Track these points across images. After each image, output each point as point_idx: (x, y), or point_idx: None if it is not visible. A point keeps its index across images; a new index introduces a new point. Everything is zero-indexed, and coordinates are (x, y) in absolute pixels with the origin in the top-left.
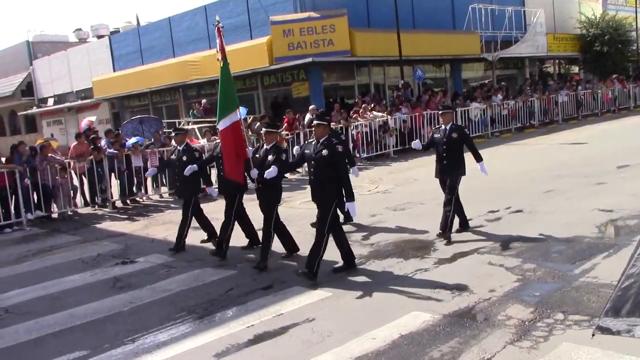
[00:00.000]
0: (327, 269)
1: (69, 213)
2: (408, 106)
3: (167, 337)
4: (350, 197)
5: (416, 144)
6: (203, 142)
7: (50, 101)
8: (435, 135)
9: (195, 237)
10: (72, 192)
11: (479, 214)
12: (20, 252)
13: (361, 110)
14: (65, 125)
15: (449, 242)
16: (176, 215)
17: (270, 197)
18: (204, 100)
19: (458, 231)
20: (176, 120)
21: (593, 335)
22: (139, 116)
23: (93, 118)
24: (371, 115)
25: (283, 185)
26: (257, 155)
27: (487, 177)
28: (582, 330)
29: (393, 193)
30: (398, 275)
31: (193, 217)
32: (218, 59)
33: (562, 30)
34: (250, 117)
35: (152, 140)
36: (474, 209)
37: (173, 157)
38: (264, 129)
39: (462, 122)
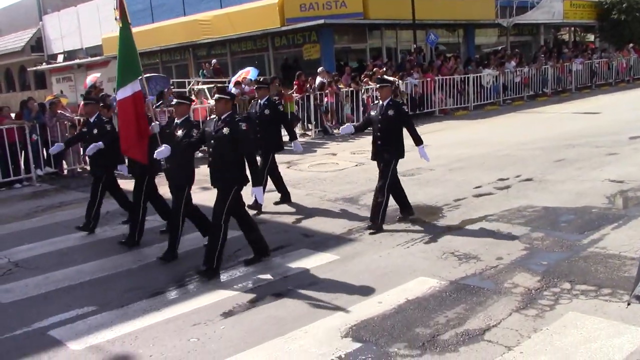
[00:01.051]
0: (331, 233)
1: (79, 170)
2: (419, 71)
3: (175, 295)
4: (257, 182)
5: (346, 128)
6: (212, 102)
7: (60, 57)
8: (372, 113)
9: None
10: (81, 149)
11: (489, 181)
12: (29, 207)
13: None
14: (75, 82)
15: (377, 232)
16: None
17: (179, 180)
18: (214, 60)
19: (400, 219)
20: (186, 80)
21: (628, 304)
22: (146, 75)
23: (98, 74)
24: None
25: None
26: (167, 131)
27: (498, 144)
28: (589, 300)
29: (402, 158)
30: (405, 241)
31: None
32: (116, 18)
33: None
34: (260, 79)
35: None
36: (484, 176)
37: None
38: (175, 100)
39: (474, 88)
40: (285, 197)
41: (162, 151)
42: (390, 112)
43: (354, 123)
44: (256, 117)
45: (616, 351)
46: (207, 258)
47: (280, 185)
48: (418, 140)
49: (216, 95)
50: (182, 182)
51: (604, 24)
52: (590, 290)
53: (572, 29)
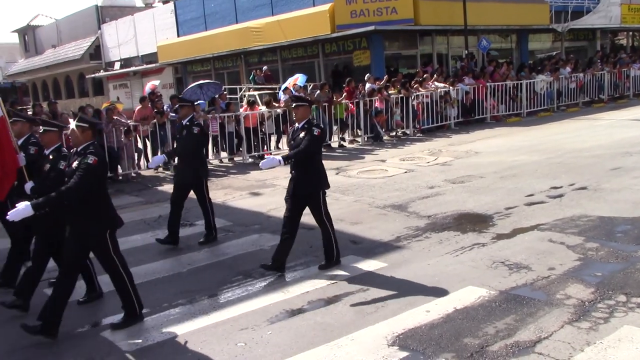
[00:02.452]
0: (379, 240)
1: (133, 175)
2: (471, 77)
3: (223, 299)
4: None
5: (268, 162)
6: (263, 109)
7: (117, 65)
8: (291, 138)
9: (253, 203)
10: (136, 154)
11: (541, 189)
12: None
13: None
14: (131, 89)
15: (330, 268)
16: (236, 180)
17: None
18: (265, 67)
19: (322, 267)
20: (237, 86)
21: None
22: (200, 82)
23: (157, 82)
24: (433, 86)
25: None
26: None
27: (551, 152)
28: None
29: (452, 165)
30: (455, 249)
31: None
32: None
33: (638, 1)
34: (310, 85)
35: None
36: (536, 184)
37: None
38: (41, 128)
39: (527, 94)
40: (172, 238)
41: (17, 212)
42: (301, 136)
43: (282, 154)
44: (175, 140)
45: None
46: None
47: (175, 223)
48: (289, 155)
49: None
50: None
51: None
52: None
53: (630, 33)
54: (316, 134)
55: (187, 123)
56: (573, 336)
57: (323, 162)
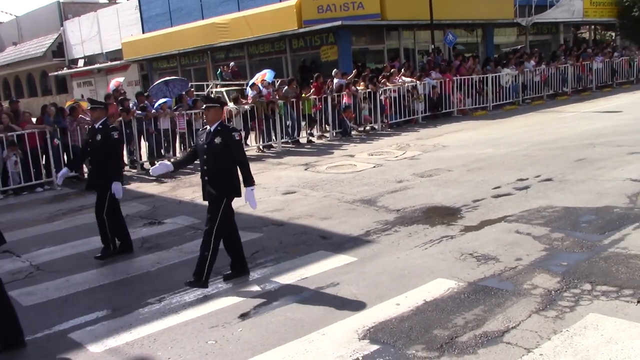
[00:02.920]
0: (349, 235)
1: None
2: (438, 71)
3: (193, 297)
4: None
5: (158, 168)
6: (231, 105)
7: (81, 62)
8: (199, 141)
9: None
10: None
11: (508, 181)
12: (50, 211)
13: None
14: (95, 87)
15: (199, 287)
16: None
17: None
18: (232, 63)
19: (227, 278)
20: (204, 83)
21: (638, 302)
22: (165, 78)
23: (121, 79)
24: (400, 81)
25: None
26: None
27: (517, 144)
28: (610, 301)
29: (421, 159)
30: (424, 242)
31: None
32: None
33: None
34: (278, 81)
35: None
36: (503, 177)
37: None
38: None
39: (493, 88)
40: (125, 246)
41: None
42: (218, 140)
43: (174, 158)
44: (86, 145)
45: (638, 353)
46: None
47: (118, 232)
48: (247, 180)
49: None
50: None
51: (625, 22)
52: (611, 291)
53: (592, 27)
54: (238, 138)
55: (101, 126)
56: (540, 325)
57: (294, 158)
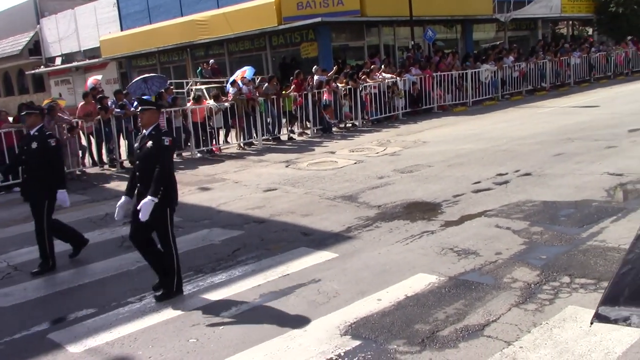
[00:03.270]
0: (330, 231)
1: (77, 173)
2: (418, 68)
3: (174, 296)
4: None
5: (120, 213)
6: (211, 102)
7: (58, 60)
8: (135, 146)
9: (203, 198)
10: (80, 152)
11: (488, 176)
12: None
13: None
14: (73, 85)
15: (165, 299)
16: (185, 175)
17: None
18: (211, 60)
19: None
20: (184, 81)
21: (592, 323)
22: (144, 75)
23: (99, 77)
24: (380, 77)
25: (289, 147)
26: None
27: (497, 139)
28: (588, 293)
29: (401, 155)
30: (405, 237)
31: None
32: None
33: None
34: (258, 78)
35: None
36: (483, 172)
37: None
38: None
39: (472, 83)
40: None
41: None
42: (150, 144)
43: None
44: (20, 152)
45: (616, 344)
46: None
47: (66, 234)
48: (155, 191)
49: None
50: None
51: (602, 17)
52: (589, 283)
53: (570, 22)
54: (167, 143)
55: (36, 133)
56: (520, 318)
57: (275, 155)
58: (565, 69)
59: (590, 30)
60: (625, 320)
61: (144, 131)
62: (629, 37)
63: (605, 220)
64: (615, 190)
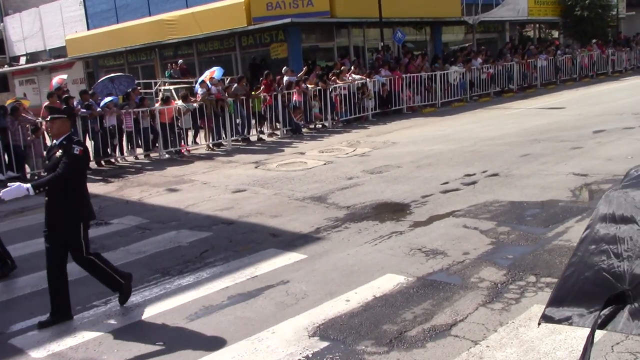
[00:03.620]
0: (299, 232)
1: (42, 174)
2: (387, 69)
3: (140, 299)
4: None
5: (10, 191)
6: (179, 103)
7: (23, 60)
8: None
9: (170, 200)
10: (44, 152)
11: (456, 177)
12: None
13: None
14: (39, 85)
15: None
16: (152, 176)
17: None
18: (180, 61)
19: (42, 325)
20: (152, 81)
21: (539, 324)
22: (111, 75)
23: (64, 76)
24: (350, 78)
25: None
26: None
27: (465, 140)
28: None
29: (371, 156)
30: (373, 238)
31: None
32: None
33: None
34: (227, 79)
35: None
36: (451, 172)
37: None
38: None
39: (441, 85)
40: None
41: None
42: (59, 154)
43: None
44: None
45: (580, 342)
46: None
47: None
48: (38, 182)
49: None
50: None
51: (568, 21)
52: (554, 282)
53: (537, 25)
54: (77, 152)
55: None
56: (487, 317)
57: (245, 156)
58: (532, 71)
59: (556, 33)
60: (567, 320)
61: (54, 141)
62: (594, 40)
63: (570, 220)
64: (580, 190)
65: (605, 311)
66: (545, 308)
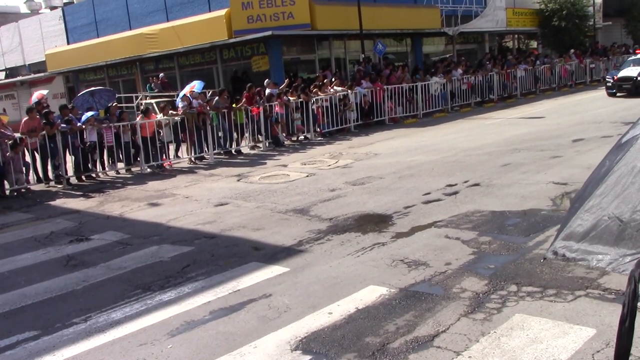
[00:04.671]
0: (281, 245)
1: (22, 190)
2: (369, 81)
3: (121, 315)
4: None
5: None
6: (160, 116)
7: (2, 75)
8: None
9: (152, 214)
10: (24, 168)
11: (437, 187)
12: None
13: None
14: (18, 100)
15: None
16: (134, 191)
17: None
18: (161, 74)
19: None
20: (133, 95)
21: (544, 259)
22: (91, 89)
23: (45, 91)
24: (332, 90)
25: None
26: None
27: (446, 151)
28: (535, 301)
29: (353, 167)
30: (356, 250)
31: None
32: None
33: (522, 5)
34: (209, 92)
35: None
36: (433, 183)
37: None
38: None
39: (422, 96)
40: None
41: None
42: None
43: None
44: None
45: (561, 351)
46: None
47: None
48: None
49: None
50: None
51: (546, 31)
52: (535, 291)
53: (516, 36)
54: None
55: None
56: (469, 328)
57: (227, 169)
58: (512, 81)
59: (535, 44)
60: (584, 260)
61: None
62: (572, 50)
63: (550, 229)
64: (561, 199)
65: None
66: (556, 241)
